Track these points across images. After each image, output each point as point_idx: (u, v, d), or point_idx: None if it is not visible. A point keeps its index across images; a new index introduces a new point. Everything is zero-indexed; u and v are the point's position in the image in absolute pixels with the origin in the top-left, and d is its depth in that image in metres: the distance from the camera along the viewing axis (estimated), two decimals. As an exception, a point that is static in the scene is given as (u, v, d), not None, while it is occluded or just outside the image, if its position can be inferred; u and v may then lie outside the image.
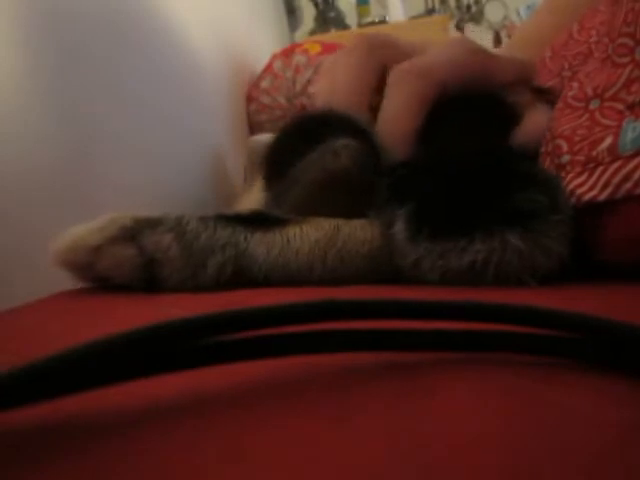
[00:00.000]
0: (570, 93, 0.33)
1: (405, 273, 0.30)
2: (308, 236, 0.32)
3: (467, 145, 0.32)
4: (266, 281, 0.31)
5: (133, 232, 0.30)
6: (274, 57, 1.05)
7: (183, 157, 0.71)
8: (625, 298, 0.25)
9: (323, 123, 0.37)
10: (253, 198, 0.48)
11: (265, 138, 0.76)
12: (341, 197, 0.34)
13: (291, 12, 1.79)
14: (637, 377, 0.14)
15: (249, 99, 1.04)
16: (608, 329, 0.14)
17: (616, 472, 0.10)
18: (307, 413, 0.13)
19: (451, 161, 0.31)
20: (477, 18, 1.89)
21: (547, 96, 0.38)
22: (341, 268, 0.31)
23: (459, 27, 1.90)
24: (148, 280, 0.30)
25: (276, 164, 0.39)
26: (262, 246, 0.31)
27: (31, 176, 0.41)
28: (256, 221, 0.32)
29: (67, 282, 0.32)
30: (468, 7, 1.91)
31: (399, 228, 0.30)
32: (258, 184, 0.47)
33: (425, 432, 0.12)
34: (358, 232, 0.32)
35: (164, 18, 0.72)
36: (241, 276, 0.31)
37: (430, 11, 1.95)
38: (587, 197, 0.28)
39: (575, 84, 0.33)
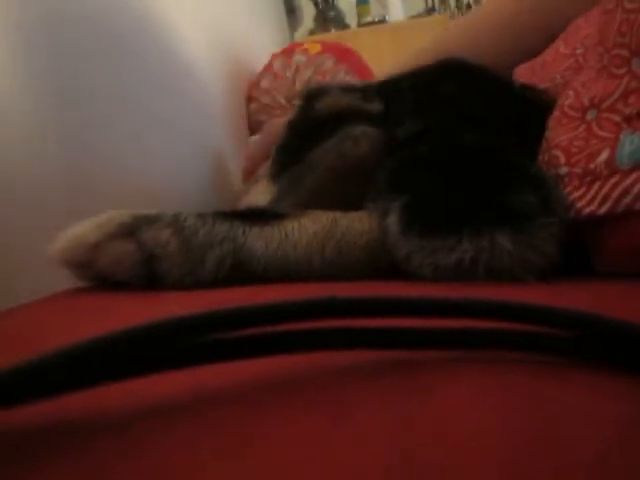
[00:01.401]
0: (567, 102, 0.33)
1: (400, 266, 0.30)
2: (306, 229, 0.32)
3: (470, 137, 0.32)
4: (265, 274, 0.31)
5: (131, 228, 0.31)
6: (274, 57, 1.05)
7: (183, 157, 0.71)
8: (619, 295, 0.25)
9: (332, 114, 0.38)
10: (260, 194, 0.48)
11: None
12: (355, 185, 0.34)
13: (291, 12, 1.79)
14: (634, 373, 0.14)
15: (249, 99, 1.03)
16: (604, 326, 0.14)
17: (616, 467, 0.10)
18: (306, 410, 0.13)
19: (452, 154, 0.31)
20: (477, 17, 1.89)
21: (543, 96, 0.38)
22: (339, 260, 0.31)
23: (459, 26, 1.90)
24: (148, 276, 0.30)
25: (287, 154, 0.39)
26: (260, 240, 0.31)
27: (31, 176, 0.41)
28: (254, 216, 0.33)
29: (67, 282, 0.32)
30: (468, 6, 1.90)
31: (392, 220, 0.30)
32: (264, 180, 0.47)
33: (424, 429, 0.12)
34: (356, 224, 0.32)
35: (164, 18, 0.72)
36: (240, 270, 0.31)
37: (430, 10, 1.94)
38: (586, 211, 0.29)
39: (571, 93, 0.33)
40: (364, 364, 0.15)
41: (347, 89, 0.41)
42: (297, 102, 0.43)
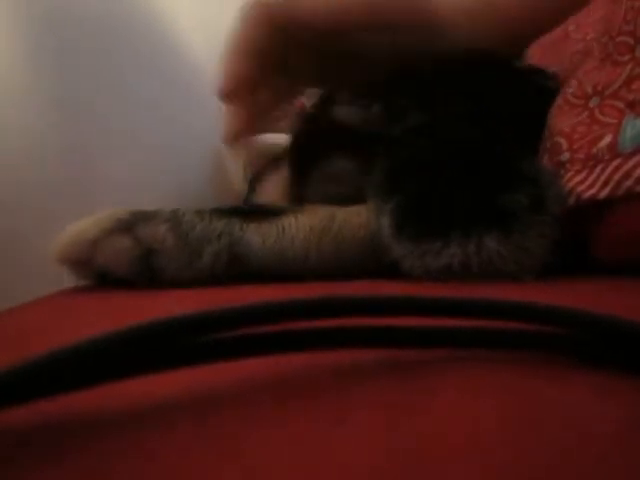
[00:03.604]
0: (570, 90, 0.33)
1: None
2: (303, 224, 0.32)
3: (466, 134, 0.32)
4: (262, 270, 0.31)
5: (129, 224, 0.31)
6: (274, 57, 1.05)
7: (182, 156, 0.71)
8: (621, 293, 0.25)
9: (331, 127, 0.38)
10: (279, 185, 0.48)
11: (265, 138, 0.76)
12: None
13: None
14: (634, 373, 0.14)
15: (249, 99, 1.03)
16: (604, 324, 0.14)
17: (616, 468, 0.10)
18: (306, 411, 0.13)
19: (445, 153, 0.31)
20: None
21: (550, 82, 0.38)
22: (337, 254, 0.31)
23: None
24: (146, 272, 0.31)
25: (296, 160, 0.39)
26: (257, 235, 0.31)
27: (33, 175, 0.41)
28: (251, 212, 0.33)
29: (67, 282, 0.32)
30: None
31: (384, 223, 0.30)
32: (283, 173, 0.47)
33: (425, 430, 0.12)
34: (354, 217, 0.32)
35: (164, 18, 0.72)
36: (237, 264, 0.31)
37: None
38: (587, 195, 0.28)
39: (574, 82, 0.33)
40: (364, 364, 0.15)
41: (355, 97, 0.40)
42: (315, 101, 0.43)
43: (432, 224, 0.29)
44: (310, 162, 0.38)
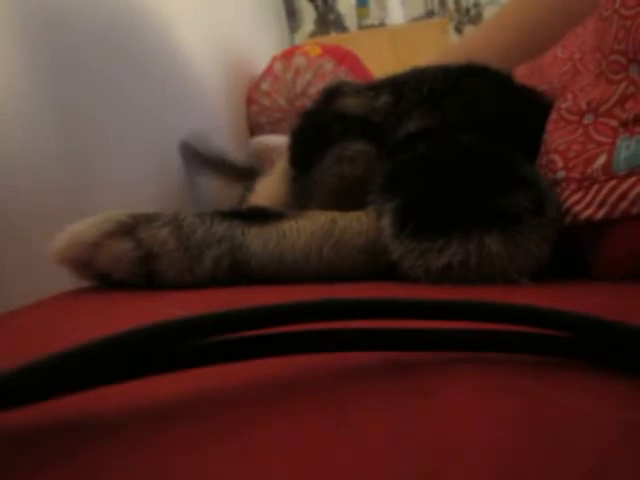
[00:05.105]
0: (564, 105, 0.33)
1: (396, 267, 0.31)
2: (304, 229, 0.32)
3: (467, 138, 0.32)
4: (263, 274, 0.31)
5: (129, 227, 0.31)
6: (274, 59, 1.05)
7: (181, 158, 0.72)
8: (625, 297, 0.25)
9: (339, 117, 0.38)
10: (272, 182, 0.48)
11: (265, 140, 0.76)
12: (357, 199, 0.34)
13: (291, 14, 1.80)
14: (634, 375, 0.14)
15: (249, 101, 1.04)
16: (604, 328, 0.14)
17: (617, 471, 0.10)
18: (306, 412, 0.13)
19: (446, 156, 0.32)
20: (476, 21, 1.90)
21: (541, 98, 0.39)
22: (337, 260, 0.32)
23: (458, 30, 1.91)
24: (146, 274, 0.31)
25: (301, 152, 0.40)
26: (258, 240, 0.31)
27: (32, 177, 0.41)
28: (253, 216, 0.33)
29: (67, 282, 0.32)
30: (467, 10, 1.91)
31: (386, 223, 0.30)
32: (279, 169, 0.47)
33: (425, 432, 0.12)
34: (354, 224, 0.32)
35: (165, 22, 0.72)
36: (238, 269, 0.31)
37: (429, 13, 1.95)
38: (584, 216, 0.29)
39: (569, 96, 0.34)
40: (365, 366, 0.15)
41: (363, 89, 0.41)
42: (316, 97, 0.43)
43: (434, 223, 0.29)
44: (314, 155, 0.38)
